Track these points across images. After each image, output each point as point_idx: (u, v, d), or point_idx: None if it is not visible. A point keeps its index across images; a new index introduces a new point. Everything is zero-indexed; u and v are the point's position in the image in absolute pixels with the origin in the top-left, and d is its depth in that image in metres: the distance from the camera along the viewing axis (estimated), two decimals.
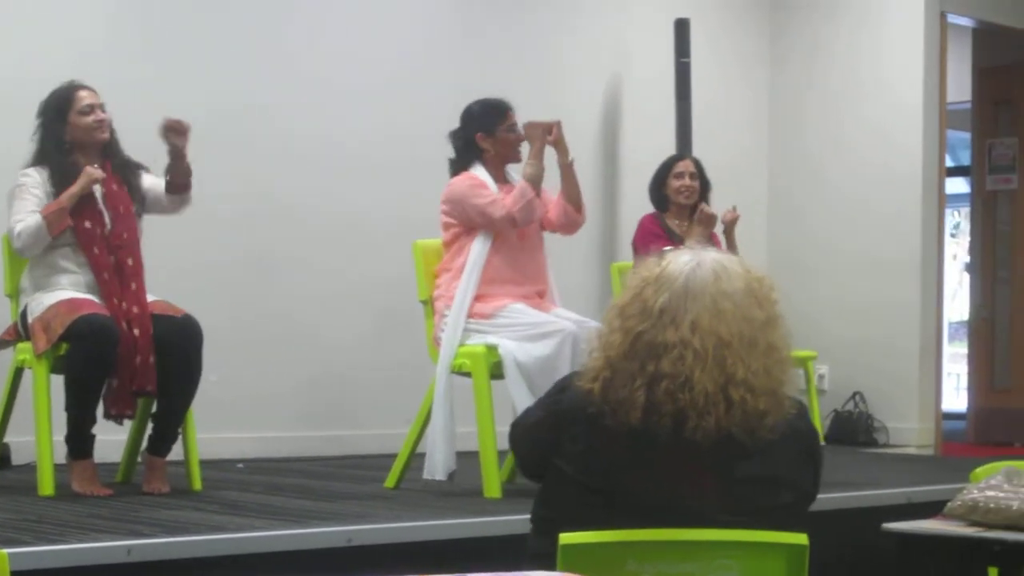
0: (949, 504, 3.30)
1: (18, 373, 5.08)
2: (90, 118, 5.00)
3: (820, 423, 7.81)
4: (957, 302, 12.07)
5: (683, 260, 2.51)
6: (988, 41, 9.30)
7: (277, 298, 6.71)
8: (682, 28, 8.02)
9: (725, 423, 2.44)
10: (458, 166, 5.42)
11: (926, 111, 8.27)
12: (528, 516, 2.67)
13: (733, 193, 6.99)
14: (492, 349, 5.12)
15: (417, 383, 5.55)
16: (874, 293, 8.33)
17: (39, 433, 4.84)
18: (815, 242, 8.57)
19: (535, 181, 5.30)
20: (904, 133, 8.31)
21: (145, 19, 6.43)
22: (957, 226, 13.51)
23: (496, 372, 5.11)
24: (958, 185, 11.12)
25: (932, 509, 3.44)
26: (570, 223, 5.49)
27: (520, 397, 4.96)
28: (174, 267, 6.00)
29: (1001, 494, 3.23)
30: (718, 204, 6.76)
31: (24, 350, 4.98)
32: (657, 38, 8.05)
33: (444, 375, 5.19)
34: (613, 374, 2.49)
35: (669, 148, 7.57)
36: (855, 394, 8.37)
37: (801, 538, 2.43)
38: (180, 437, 5.03)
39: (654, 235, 6.43)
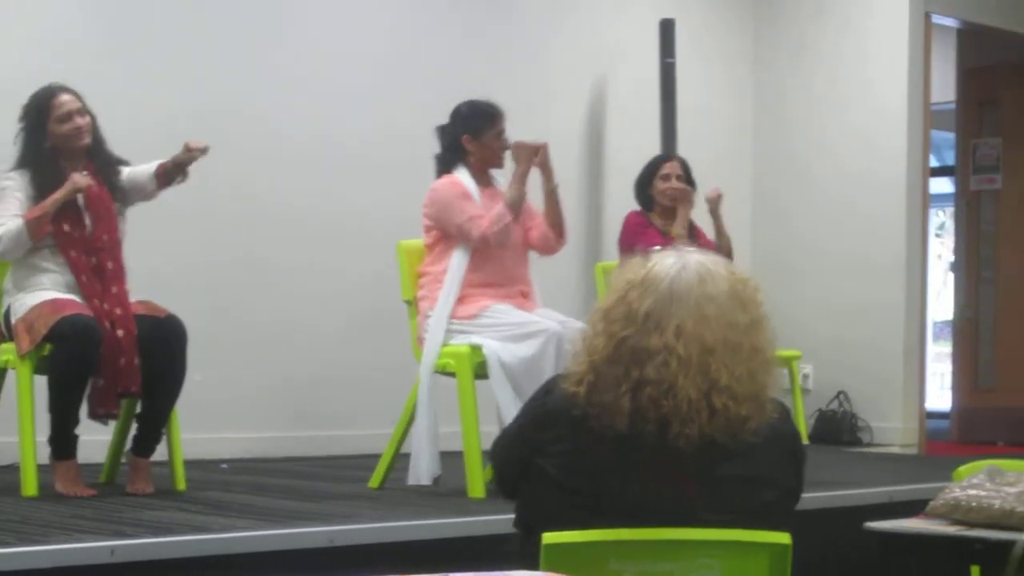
0: (931, 503, 3.31)
1: (1, 374, 5.07)
2: (68, 126, 4.98)
3: (804, 422, 7.82)
4: (942, 302, 12.09)
5: (668, 263, 2.50)
6: (972, 41, 9.32)
7: (261, 298, 6.70)
8: (667, 29, 8.03)
9: (708, 430, 2.44)
10: (442, 165, 5.42)
11: (910, 112, 8.29)
12: (511, 516, 2.67)
13: None
14: (476, 349, 5.12)
15: (402, 383, 5.55)
16: (858, 293, 8.34)
17: (22, 434, 4.83)
18: (800, 242, 8.59)
19: (515, 205, 5.27)
20: (888, 134, 8.32)
21: (138, 18, 6.42)
22: (942, 226, 13.55)
23: (480, 372, 5.11)
24: (943, 185, 11.15)
25: (915, 508, 3.44)
26: (548, 246, 5.48)
27: (504, 397, 4.96)
28: (158, 267, 6.00)
29: (983, 493, 3.24)
30: (703, 207, 6.78)
31: (7, 351, 4.97)
32: (642, 39, 8.06)
33: (427, 376, 5.19)
34: (597, 378, 2.49)
35: (654, 148, 7.58)
36: (839, 393, 8.39)
37: (784, 537, 2.43)
38: (164, 437, 5.02)
39: (642, 228, 6.44)
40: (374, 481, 5.36)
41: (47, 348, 4.82)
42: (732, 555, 2.43)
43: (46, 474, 4.86)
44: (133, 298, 5.01)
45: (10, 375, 5.01)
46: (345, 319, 6.94)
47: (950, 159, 10.58)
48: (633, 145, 7.70)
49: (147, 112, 6.28)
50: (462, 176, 5.35)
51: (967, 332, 9.49)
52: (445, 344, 5.20)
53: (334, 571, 3.89)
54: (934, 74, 8.52)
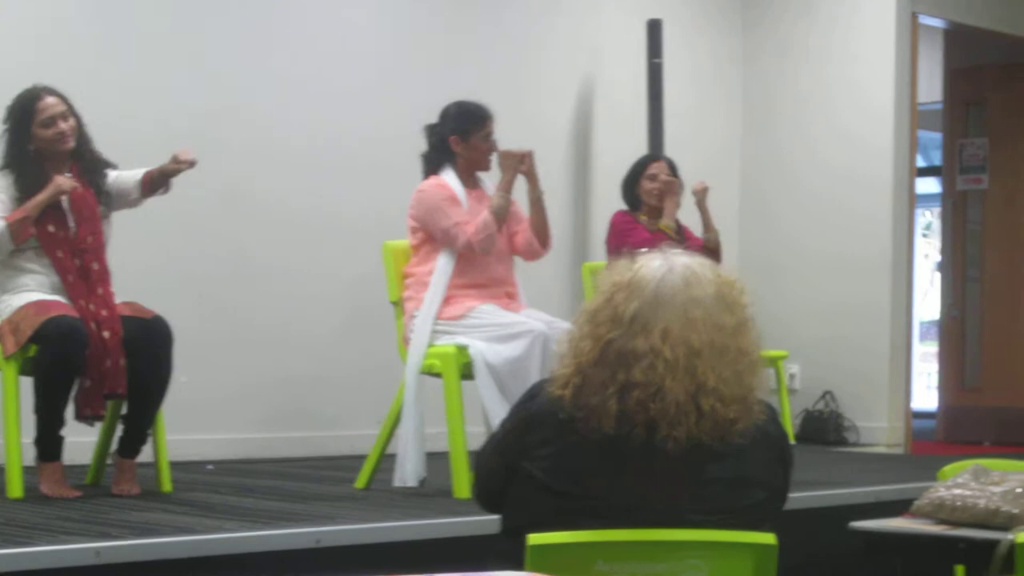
0: (916, 502, 3.31)
1: None
2: (51, 131, 4.97)
3: (791, 422, 7.83)
4: (929, 301, 12.12)
5: (654, 265, 2.51)
6: (959, 42, 9.34)
7: (248, 299, 6.69)
8: (654, 29, 8.03)
9: (696, 432, 2.45)
10: (429, 166, 5.41)
11: (897, 112, 8.31)
12: (498, 518, 2.67)
13: None
14: (462, 350, 5.12)
15: (388, 384, 5.54)
16: (845, 293, 8.36)
17: (7, 435, 4.81)
18: (787, 242, 8.60)
19: (500, 213, 5.27)
20: (875, 134, 8.34)
21: (131, 18, 6.41)
22: (928, 226, 13.57)
23: (466, 373, 5.11)
24: (929, 185, 11.17)
25: (900, 508, 3.44)
26: (533, 252, 5.47)
27: (490, 398, 4.96)
28: (145, 268, 6.00)
29: (968, 492, 3.25)
30: (689, 208, 6.78)
31: None
32: (630, 39, 8.06)
33: (413, 377, 5.19)
34: (584, 381, 2.49)
35: (641, 149, 7.59)
36: (826, 393, 8.39)
37: (770, 538, 2.43)
38: (150, 439, 5.01)
39: (629, 227, 6.45)
40: (360, 482, 5.35)
41: (33, 349, 4.80)
42: (718, 555, 2.44)
43: (31, 476, 4.85)
44: (119, 299, 5.00)
45: None
46: (333, 320, 6.93)
47: (937, 159, 10.60)
48: (620, 145, 7.71)
49: (140, 112, 6.27)
50: (448, 178, 5.34)
51: (953, 331, 9.51)
52: (431, 345, 5.19)
53: (320, 572, 3.88)
54: (921, 74, 8.54)
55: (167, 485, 5.03)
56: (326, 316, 6.92)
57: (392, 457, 5.23)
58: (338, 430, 6.80)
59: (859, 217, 8.34)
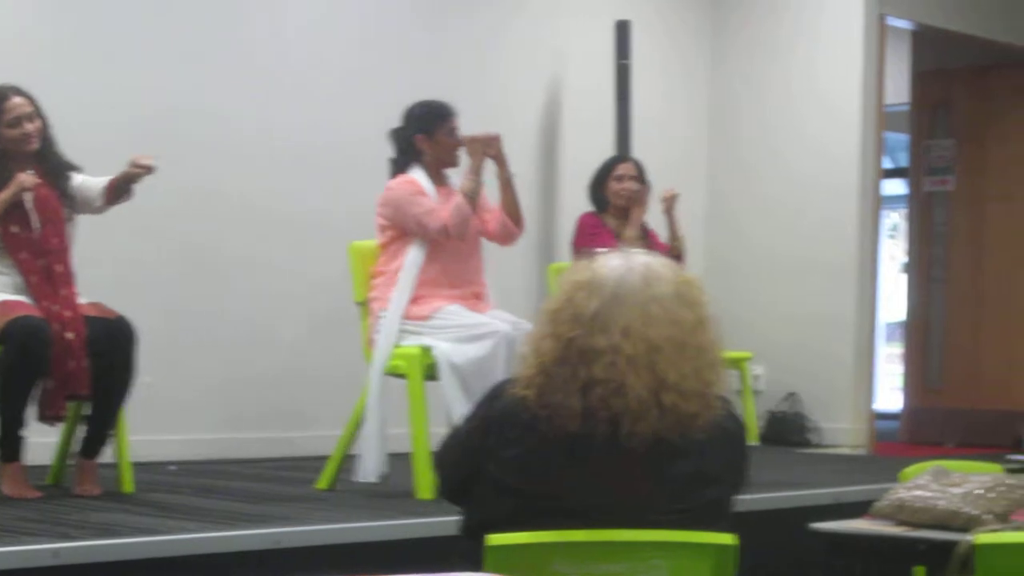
0: (876, 504, 3.33)
1: None
2: (16, 131, 4.95)
3: (755, 423, 7.84)
4: (894, 303, 12.15)
5: (613, 264, 2.53)
6: (926, 44, 9.37)
7: (211, 299, 6.66)
8: (622, 30, 8.03)
9: (659, 427, 2.46)
10: (397, 167, 5.41)
11: (864, 113, 8.32)
12: (459, 518, 2.67)
13: None
14: (426, 351, 5.11)
15: (353, 385, 5.52)
16: (810, 295, 8.37)
17: None
18: (752, 245, 8.61)
19: (472, 196, 5.27)
20: (841, 136, 8.35)
21: (96, 18, 6.38)
22: (895, 227, 13.61)
23: (431, 374, 5.10)
24: (896, 187, 11.20)
25: (861, 509, 3.46)
26: (508, 235, 5.48)
27: (454, 399, 4.96)
28: (108, 267, 5.96)
29: (928, 493, 3.26)
30: (657, 209, 6.79)
31: None
32: (598, 40, 8.06)
33: (377, 377, 5.18)
34: (547, 380, 2.51)
35: (608, 150, 7.59)
36: (790, 395, 8.41)
37: (729, 538, 2.44)
38: (112, 439, 4.99)
39: (596, 230, 6.46)
40: (322, 482, 5.34)
41: None
42: (678, 556, 2.44)
43: None
44: (84, 299, 4.98)
45: None
46: (299, 321, 6.91)
47: (903, 161, 10.63)
48: (588, 146, 7.71)
49: (105, 113, 6.24)
50: (418, 176, 5.34)
51: (918, 333, 9.54)
52: (397, 345, 5.18)
53: (281, 573, 3.87)
54: (888, 76, 8.56)
55: (129, 486, 5.01)
56: (292, 317, 6.89)
57: (355, 458, 5.21)
58: (303, 431, 6.78)
59: (825, 220, 8.35)
